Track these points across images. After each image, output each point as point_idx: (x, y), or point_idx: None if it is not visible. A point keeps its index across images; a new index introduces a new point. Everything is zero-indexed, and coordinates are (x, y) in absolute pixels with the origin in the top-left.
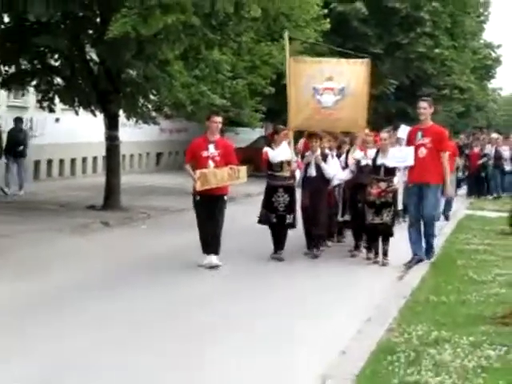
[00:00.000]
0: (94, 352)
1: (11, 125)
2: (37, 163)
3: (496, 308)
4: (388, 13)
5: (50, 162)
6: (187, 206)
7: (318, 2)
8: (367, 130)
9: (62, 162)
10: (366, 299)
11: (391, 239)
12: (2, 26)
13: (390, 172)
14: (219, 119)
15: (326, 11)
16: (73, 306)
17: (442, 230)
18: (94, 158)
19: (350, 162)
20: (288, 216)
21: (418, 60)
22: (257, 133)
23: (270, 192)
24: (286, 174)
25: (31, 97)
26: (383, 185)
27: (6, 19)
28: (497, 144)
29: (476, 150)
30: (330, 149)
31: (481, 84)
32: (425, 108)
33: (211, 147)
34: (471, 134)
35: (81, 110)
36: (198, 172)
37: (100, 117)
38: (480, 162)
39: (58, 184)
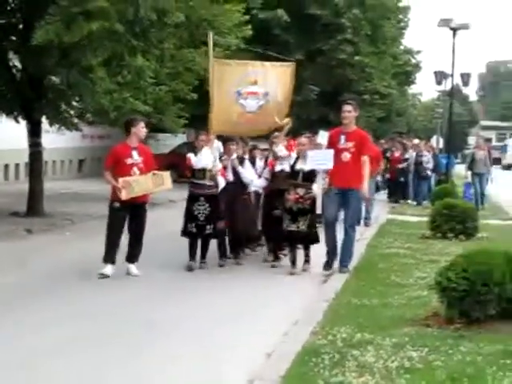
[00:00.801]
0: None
1: None
2: None
3: (418, 310)
4: (309, 20)
5: None
6: None
7: (239, 9)
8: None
9: None
10: (290, 303)
11: (316, 245)
12: None
13: (309, 178)
14: (144, 125)
15: (247, 18)
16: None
17: (364, 235)
18: (17, 165)
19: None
20: (208, 226)
21: (340, 66)
22: (179, 139)
23: (191, 200)
24: (209, 182)
25: None
26: (301, 191)
27: None
28: (418, 149)
29: (397, 154)
30: (244, 153)
31: (401, 89)
32: (349, 111)
33: (135, 154)
34: (391, 138)
35: (3, 117)
36: (120, 180)
37: (22, 123)
38: (400, 166)
39: None
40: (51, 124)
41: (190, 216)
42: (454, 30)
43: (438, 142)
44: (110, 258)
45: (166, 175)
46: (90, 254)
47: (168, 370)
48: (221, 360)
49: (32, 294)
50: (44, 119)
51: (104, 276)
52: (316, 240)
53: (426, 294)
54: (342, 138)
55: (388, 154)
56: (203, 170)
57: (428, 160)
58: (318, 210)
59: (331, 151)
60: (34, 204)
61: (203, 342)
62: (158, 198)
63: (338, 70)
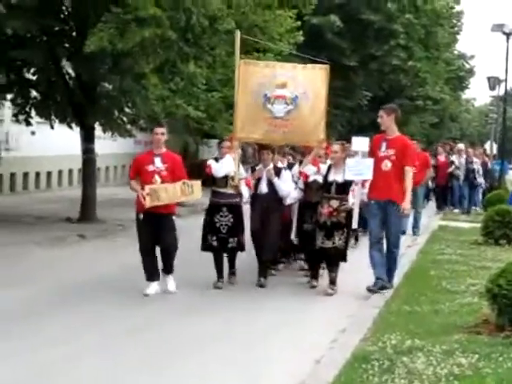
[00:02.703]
0: (63, 364)
1: None
2: (12, 176)
3: (468, 317)
4: (362, 25)
5: (25, 174)
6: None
7: (290, 15)
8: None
9: (37, 174)
10: (337, 310)
11: (344, 265)
12: None
13: (343, 189)
14: (161, 130)
15: (299, 23)
16: (48, 318)
17: (416, 241)
18: (70, 171)
19: (299, 176)
20: (231, 239)
21: (392, 72)
22: None
23: (212, 211)
24: (231, 190)
25: (6, 110)
26: (335, 203)
27: None
28: (468, 155)
29: (442, 158)
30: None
31: (454, 95)
32: (381, 116)
33: (157, 161)
34: (444, 144)
35: (56, 123)
36: (146, 188)
37: (76, 129)
38: (449, 170)
39: (34, 197)
40: (104, 130)
41: (210, 228)
42: (508, 34)
43: (491, 147)
44: (149, 275)
45: (197, 184)
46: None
47: (219, 375)
48: (269, 367)
49: (79, 296)
50: (97, 125)
51: (147, 295)
52: (345, 259)
53: (476, 301)
54: (384, 144)
55: (433, 162)
56: (225, 178)
57: (478, 167)
58: (354, 225)
59: (371, 160)
60: (87, 210)
61: (252, 349)
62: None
63: (391, 76)
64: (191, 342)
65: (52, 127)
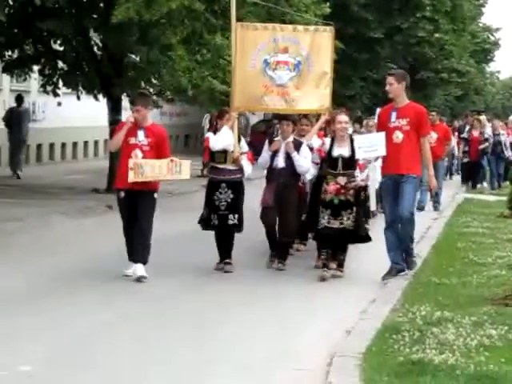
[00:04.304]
0: (103, 332)
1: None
2: (39, 147)
3: (496, 289)
4: None
5: (52, 145)
6: (191, 189)
7: None
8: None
9: (63, 145)
10: (367, 281)
11: (368, 244)
12: (6, 11)
13: (350, 165)
14: (137, 107)
15: None
16: (81, 287)
17: (442, 214)
18: (96, 142)
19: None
20: (231, 216)
21: (418, 44)
22: (256, 117)
23: (211, 188)
24: (231, 166)
25: (33, 81)
26: (342, 180)
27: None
28: (494, 127)
29: (475, 133)
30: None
31: (479, 67)
32: (391, 84)
33: (140, 134)
34: (465, 115)
35: (83, 95)
36: (130, 161)
37: (102, 100)
38: (481, 147)
39: (61, 167)
40: (131, 101)
41: (211, 206)
42: None
43: None
44: (129, 254)
45: (185, 163)
46: (167, 230)
47: (250, 342)
48: (300, 337)
49: (109, 265)
50: (124, 96)
51: (138, 278)
52: (367, 237)
53: (504, 273)
54: (393, 114)
55: (465, 135)
56: (224, 153)
57: (505, 139)
58: (372, 207)
59: (382, 134)
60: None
61: (283, 318)
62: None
63: (416, 48)
64: (226, 309)
65: (78, 98)
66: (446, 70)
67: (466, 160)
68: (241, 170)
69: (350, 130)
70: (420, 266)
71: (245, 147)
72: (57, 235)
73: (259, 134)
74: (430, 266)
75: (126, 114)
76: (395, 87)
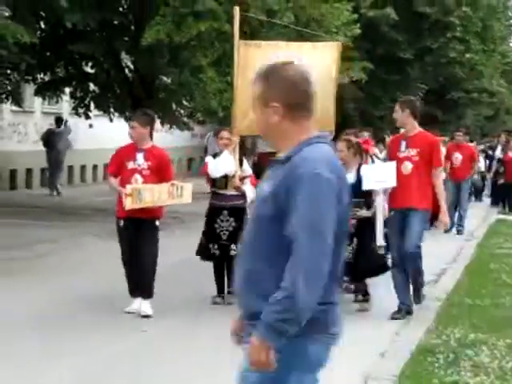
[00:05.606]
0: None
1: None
2: (70, 168)
3: None
4: (418, 18)
5: (83, 167)
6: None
7: (348, 8)
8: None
9: (95, 167)
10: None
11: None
12: (38, 34)
13: (353, 193)
14: (133, 123)
15: (356, 16)
16: (113, 306)
17: (474, 234)
18: None
19: None
20: (233, 246)
21: (448, 64)
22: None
23: (212, 215)
24: (232, 191)
25: (65, 103)
26: None
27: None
28: None
29: (511, 153)
30: None
31: (510, 87)
32: (395, 111)
33: (139, 157)
34: (498, 135)
35: (115, 117)
36: (128, 187)
37: None
38: None
39: (92, 189)
40: (162, 123)
41: (211, 235)
42: None
43: None
44: (131, 289)
45: (187, 187)
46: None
47: None
48: (334, 360)
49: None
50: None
51: (130, 313)
52: (381, 268)
53: None
54: (403, 143)
55: (499, 154)
56: (225, 178)
57: None
58: (379, 241)
59: (392, 164)
60: None
61: None
62: None
63: (447, 69)
64: None
65: (111, 120)
66: (477, 90)
67: (501, 181)
68: (243, 195)
69: (376, 150)
70: (452, 287)
71: (248, 170)
72: (86, 257)
73: (266, 155)
74: (463, 287)
75: (157, 136)
76: (399, 115)
